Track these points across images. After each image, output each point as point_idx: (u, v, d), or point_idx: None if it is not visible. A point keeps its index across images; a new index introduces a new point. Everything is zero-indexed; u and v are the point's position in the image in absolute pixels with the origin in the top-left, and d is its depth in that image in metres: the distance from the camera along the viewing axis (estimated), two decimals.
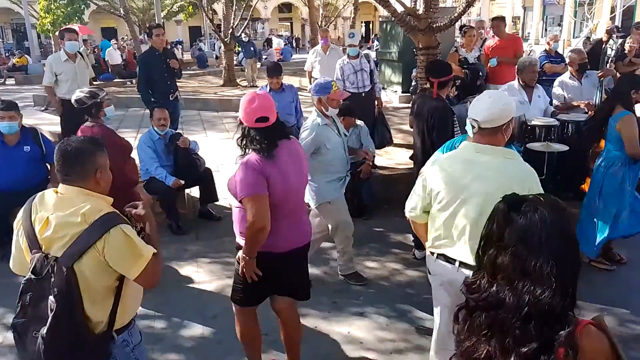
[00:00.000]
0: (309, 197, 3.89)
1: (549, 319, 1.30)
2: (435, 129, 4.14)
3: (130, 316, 2.16)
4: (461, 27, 7.70)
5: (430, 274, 2.67)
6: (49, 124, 8.21)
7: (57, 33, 12.36)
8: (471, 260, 2.24)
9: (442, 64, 4.57)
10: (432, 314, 3.28)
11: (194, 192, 5.88)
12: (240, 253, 2.76)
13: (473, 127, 2.40)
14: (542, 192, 2.11)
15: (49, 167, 4.55)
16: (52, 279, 1.87)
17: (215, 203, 5.75)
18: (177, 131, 5.44)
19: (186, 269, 4.57)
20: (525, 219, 1.37)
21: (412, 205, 2.63)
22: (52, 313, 1.86)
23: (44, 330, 1.87)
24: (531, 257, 1.33)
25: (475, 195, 2.31)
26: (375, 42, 20.54)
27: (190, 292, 4.18)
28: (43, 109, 11.27)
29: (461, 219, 2.37)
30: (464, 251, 2.37)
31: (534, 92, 5.04)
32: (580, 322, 1.36)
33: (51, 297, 1.87)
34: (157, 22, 16.73)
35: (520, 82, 5.07)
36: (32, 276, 1.91)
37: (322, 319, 3.73)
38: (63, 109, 6.15)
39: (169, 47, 17.38)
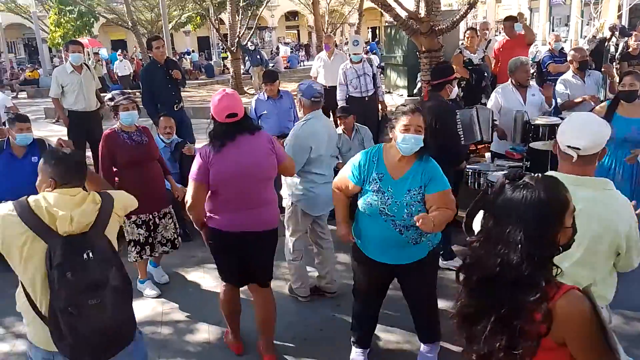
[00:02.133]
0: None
1: (519, 283, 1.43)
2: (440, 131, 4.11)
3: None
4: (466, 31, 7.72)
5: None
6: (59, 135, 8.32)
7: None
8: None
9: (440, 67, 4.56)
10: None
11: None
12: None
13: (571, 156, 2.11)
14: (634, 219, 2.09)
15: None
16: (88, 252, 2.11)
17: None
18: (181, 139, 5.48)
19: (192, 275, 4.61)
20: (513, 192, 1.53)
21: None
22: (109, 275, 2.15)
23: (104, 294, 2.12)
24: (507, 226, 1.48)
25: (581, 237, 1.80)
26: (370, 50, 20.53)
27: (196, 298, 4.21)
28: (54, 121, 11.44)
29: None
30: None
31: (528, 91, 5.05)
32: (562, 288, 1.47)
33: (99, 267, 2.13)
34: (164, 34, 16.91)
35: (514, 82, 5.08)
36: (63, 256, 2.06)
37: (326, 322, 3.74)
38: (69, 120, 6.23)
39: (177, 57, 17.62)
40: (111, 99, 4.10)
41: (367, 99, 6.50)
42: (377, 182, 2.82)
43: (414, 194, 2.79)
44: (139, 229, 4.07)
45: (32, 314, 2.16)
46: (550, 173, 2.14)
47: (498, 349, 1.45)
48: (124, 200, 2.47)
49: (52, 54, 28.51)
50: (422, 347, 3.28)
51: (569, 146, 2.11)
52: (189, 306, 4.08)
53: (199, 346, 3.58)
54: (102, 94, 6.82)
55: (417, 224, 2.58)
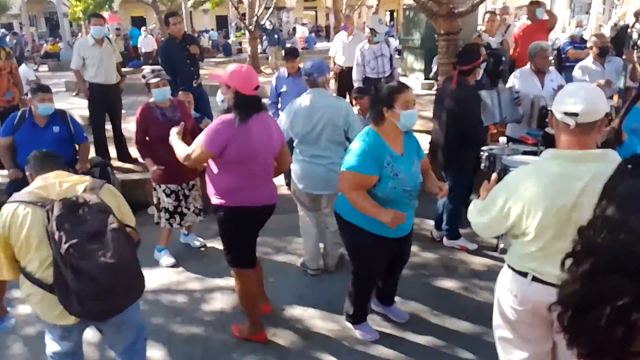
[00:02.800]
0: (332, 185, 3.82)
1: None
2: (463, 116, 4.15)
3: None
4: (485, 14, 7.65)
5: (515, 297, 2.20)
6: (79, 108, 8.45)
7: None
8: None
9: (467, 50, 4.53)
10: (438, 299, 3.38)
11: None
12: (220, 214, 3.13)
13: (568, 125, 1.99)
14: None
15: (77, 147, 4.72)
16: (83, 208, 2.27)
17: None
18: (199, 114, 5.55)
19: (208, 246, 4.73)
20: (635, 180, 1.41)
21: (487, 224, 2.26)
22: (107, 221, 2.27)
23: (105, 239, 2.23)
24: (631, 215, 1.35)
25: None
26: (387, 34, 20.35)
27: (211, 269, 4.32)
28: (74, 94, 11.57)
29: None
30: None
31: (547, 77, 5.02)
32: None
33: (95, 217, 2.26)
34: (183, 11, 16.93)
35: (533, 67, 5.06)
36: (62, 212, 2.21)
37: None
38: (90, 93, 6.33)
39: (196, 35, 17.64)
40: (143, 77, 4.37)
41: (383, 80, 6.51)
42: (391, 165, 2.84)
43: (415, 162, 2.98)
44: (169, 198, 4.36)
45: (39, 293, 2.30)
46: (547, 151, 2.11)
47: (611, 343, 1.30)
48: (127, 211, 2.58)
49: (72, 29, 28.68)
50: (393, 309, 3.57)
51: (565, 113, 1.99)
52: (204, 276, 4.21)
53: (212, 315, 3.70)
54: (122, 68, 6.92)
55: (441, 195, 2.97)
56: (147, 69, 4.55)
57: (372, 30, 6.68)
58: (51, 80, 14.33)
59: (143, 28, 20.61)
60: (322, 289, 3.93)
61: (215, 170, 3.05)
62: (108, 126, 6.55)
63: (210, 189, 3.13)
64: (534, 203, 2.05)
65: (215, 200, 3.10)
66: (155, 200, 4.50)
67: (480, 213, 2.26)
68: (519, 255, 2.20)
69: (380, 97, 2.88)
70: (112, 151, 6.52)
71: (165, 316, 3.67)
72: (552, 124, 2.11)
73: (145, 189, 5.60)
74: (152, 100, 4.27)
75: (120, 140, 6.60)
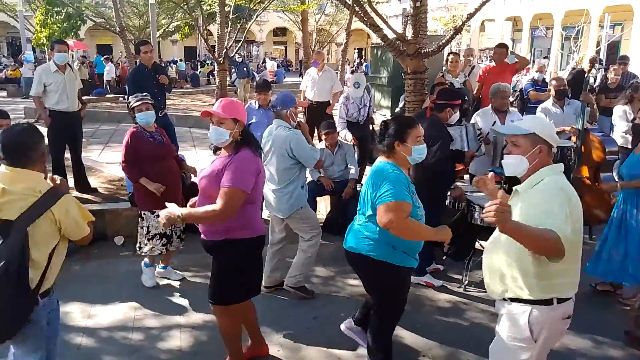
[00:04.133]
0: (279, 208, 4.12)
1: None
2: (431, 151, 4.18)
3: (51, 283, 2.46)
4: (448, 55, 7.90)
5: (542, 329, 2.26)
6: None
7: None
8: None
9: (447, 89, 4.74)
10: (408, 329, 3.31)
11: None
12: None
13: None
14: None
15: None
16: (2, 240, 2.20)
17: None
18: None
19: (167, 281, 4.55)
20: None
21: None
22: (3, 268, 2.15)
23: None
24: None
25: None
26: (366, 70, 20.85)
27: (170, 305, 4.15)
28: (34, 121, 11.26)
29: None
30: None
31: (507, 117, 5.18)
32: None
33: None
34: (152, 41, 16.83)
35: (492, 107, 5.22)
36: None
37: (302, 334, 3.72)
38: (51, 120, 6.14)
39: (163, 65, 17.59)
40: (128, 103, 4.45)
41: (361, 123, 6.68)
42: (414, 194, 2.95)
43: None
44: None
45: None
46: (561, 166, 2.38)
47: None
48: (73, 207, 2.39)
49: (35, 55, 28.20)
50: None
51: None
52: (162, 313, 4.02)
53: (170, 353, 3.52)
54: (86, 96, 6.77)
55: None
56: (131, 96, 4.54)
57: (357, 83, 6.81)
58: (9, 106, 13.95)
59: (105, 56, 20.46)
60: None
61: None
62: (67, 154, 6.36)
63: (221, 227, 2.93)
64: (580, 216, 2.22)
65: (235, 235, 2.95)
66: (144, 230, 4.37)
67: (566, 222, 2.12)
68: (541, 286, 2.22)
69: (392, 130, 2.92)
70: (71, 181, 6.31)
71: (119, 355, 3.48)
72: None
73: (105, 219, 5.43)
74: (136, 125, 4.35)
75: (79, 170, 6.41)
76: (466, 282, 4.39)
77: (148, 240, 4.36)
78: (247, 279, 3.08)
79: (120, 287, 4.40)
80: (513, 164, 2.36)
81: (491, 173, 2.73)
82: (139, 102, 4.31)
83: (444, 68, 7.58)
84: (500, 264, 2.32)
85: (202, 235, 3.06)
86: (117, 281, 4.51)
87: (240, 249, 2.98)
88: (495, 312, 2.45)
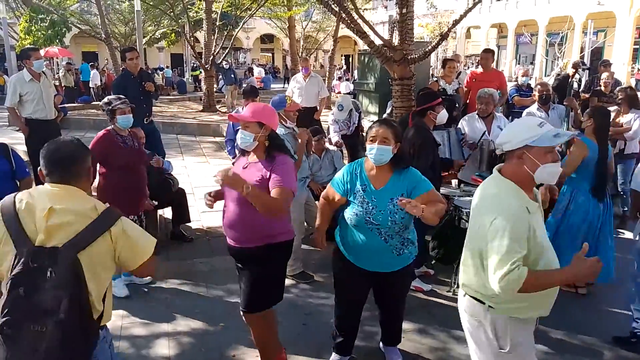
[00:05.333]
0: None
1: None
2: (415, 158, 4.20)
3: (110, 315, 2.15)
4: (443, 61, 7.97)
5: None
6: (22, 144, 8.10)
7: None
8: None
9: (423, 93, 4.68)
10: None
11: (167, 213, 5.84)
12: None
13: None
14: None
15: (18, 183, 4.47)
16: (51, 271, 1.85)
17: (187, 224, 5.72)
18: (149, 151, 5.39)
19: (156, 289, 4.50)
20: None
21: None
22: (60, 305, 1.83)
23: (48, 323, 1.82)
24: None
25: None
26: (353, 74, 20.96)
27: (158, 313, 4.10)
28: (17, 129, 11.12)
29: None
30: None
31: (494, 122, 5.22)
32: None
33: (53, 290, 1.83)
34: (138, 48, 16.75)
35: (479, 113, 5.28)
36: (23, 268, 1.84)
37: (291, 340, 3.70)
38: (29, 129, 6.06)
39: (150, 72, 17.52)
40: (108, 103, 4.22)
41: (350, 133, 6.85)
42: (361, 193, 2.94)
43: (397, 202, 2.84)
44: None
45: None
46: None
47: None
48: (132, 229, 2.04)
49: (18, 62, 27.95)
50: (389, 350, 3.43)
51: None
52: (150, 321, 3.98)
53: None
54: (71, 104, 6.70)
55: (405, 207, 2.68)
56: (112, 96, 4.39)
57: (340, 105, 6.91)
58: None
59: (90, 63, 20.34)
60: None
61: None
62: None
63: (264, 232, 2.87)
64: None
65: (278, 239, 2.94)
66: None
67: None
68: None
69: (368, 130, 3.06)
70: None
71: None
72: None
73: None
74: (112, 127, 4.20)
75: None
76: (455, 285, 4.40)
77: None
78: (276, 282, 3.07)
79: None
80: (558, 172, 2.20)
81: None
82: (123, 105, 4.18)
83: (436, 73, 7.67)
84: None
85: (233, 244, 2.97)
86: None
87: (282, 253, 3.01)
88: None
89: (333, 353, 3.36)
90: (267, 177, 2.80)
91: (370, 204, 2.90)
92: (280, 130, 4.04)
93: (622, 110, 5.74)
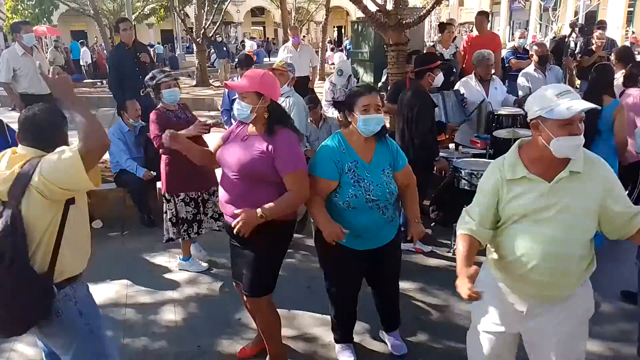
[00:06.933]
0: None
1: None
2: (414, 121, 4.17)
3: (72, 272, 2.17)
4: (440, 25, 7.90)
5: None
6: (15, 122, 8.05)
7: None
8: None
9: (422, 55, 4.64)
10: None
11: None
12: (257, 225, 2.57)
13: None
14: None
15: None
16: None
17: None
18: (146, 124, 5.36)
19: (159, 259, 4.55)
20: None
21: None
22: (5, 254, 1.92)
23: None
24: None
25: None
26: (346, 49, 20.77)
27: (163, 282, 4.16)
28: (11, 108, 11.01)
29: None
30: None
31: (491, 84, 5.22)
32: None
33: (2, 239, 1.95)
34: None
35: (477, 76, 5.25)
36: None
37: (296, 303, 3.76)
38: (25, 105, 6.01)
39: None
40: (152, 78, 4.00)
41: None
42: (353, 171, 2.72)
43: (388, 172, 2.78)
44: (187, 207, 4.07)
45: None
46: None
47: None
48: (57, 174, 1.97)
49: (6, 43, 27.51)
50: (390, 337, 3.27)
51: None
52: (155, 289, 4.02)
53: (166, 328, 3.53)
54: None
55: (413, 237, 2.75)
56: (155, 70, 4.21)
57: (340, 70, 6.80)
58: None
59: (80, 41, 20.05)
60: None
61: (276, 183, 2.65)
62: None
63: (233, 205, 2.69)
64: None
65: (283, 217, 2.69)
66: (169, 215, 4.09)
67: None
68: None
69: (346, 99, 2.82)
70: None
71: (115, 330, 3.48)
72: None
73: (90, 201, 5.36)
74: (160, 106, 4.00)
75: None
76: (454, 246, 4.46)
77: (175, 227, 4.11)
78: (280, 263, 2.86)
79: (111, 266, 4.37)
80: (577, 145, 2.00)
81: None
82: (167, 78, 3.94)
83: (435, 38, 7.61)
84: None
85: (231, 220, 2.69)
86: (106, 261, 4.47)
87: (285, 232, 2.79)
88: None
89: (336, 345, 3.20)
90: (269, 151, 2.58)
91: (366, 181, 2.71)
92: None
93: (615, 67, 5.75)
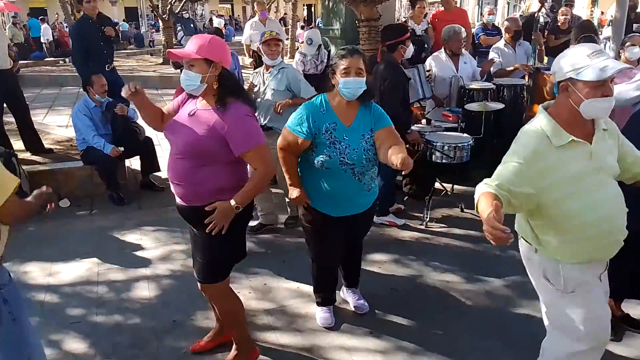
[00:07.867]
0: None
1: None
2: (387, 92, 4.13)
3: None
4: (411, 0, 7.85)
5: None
6: None
7: None
8: None
9: (392, 26, 4.56)
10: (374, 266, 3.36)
11: (135, 164, 5.73)
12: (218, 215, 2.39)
13: None
14: None
15: None
16: None
17: (157, 174, 5.63)
18: (112, 99, 5.21)
19: (130, 237, 4.46)
20: None
21: None
22: None
23: None
24: None
25: None
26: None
27: (134, 259, 4.08)
28: None
29: None
30: None
31: (460, 59, 5.26)
32: None
33: None
34: None
35: (447, 51, 5.27)
36: None
37: (272, 277, 3.76)
38: None
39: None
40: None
41: (321, 74, 6.63)
42: (331, 132, 2.71)
43: (368, 138, 2.75)
44: None
45: None
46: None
47: None
48: None
49: None
50: (354, 295, 3.36)
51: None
52: (126, 267, 3.95)
53: (139, 304, 3.47)
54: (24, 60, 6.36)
55: (398, 166, 2.46)
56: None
57: (309, 39, 6.66)
58: None
59: (40, 17, 19.33)
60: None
61: (227, 162, 2.44)
62: (8, 118, 6.02)
63: (211, 187, 2.44)
64: None
65: (228, 195, 2.43)
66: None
67: None
68: None
69: (331, 62, 2.82)
70: (17, 143, 6.00)
71: (87, 307, 3.41)
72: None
73: (57, 180, 5.22)
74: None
75: (31, 130, 6.09)
76: (427, 219, 4.51)
77: None
78: (236, 245, 2.64)
79: (79, 245, 4.28)
80: (608, 107, 1.96)
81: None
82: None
83: (408, 14, 7.57)
84: None
85: (180, 202, 2.53)
86: (75, 240, 4.38)
87: (237, 216, 2.46)
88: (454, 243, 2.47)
89: (319, 309, 3.23)
90: (218, 128, 2.35)
91: (343, 144, 2.70)
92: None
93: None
